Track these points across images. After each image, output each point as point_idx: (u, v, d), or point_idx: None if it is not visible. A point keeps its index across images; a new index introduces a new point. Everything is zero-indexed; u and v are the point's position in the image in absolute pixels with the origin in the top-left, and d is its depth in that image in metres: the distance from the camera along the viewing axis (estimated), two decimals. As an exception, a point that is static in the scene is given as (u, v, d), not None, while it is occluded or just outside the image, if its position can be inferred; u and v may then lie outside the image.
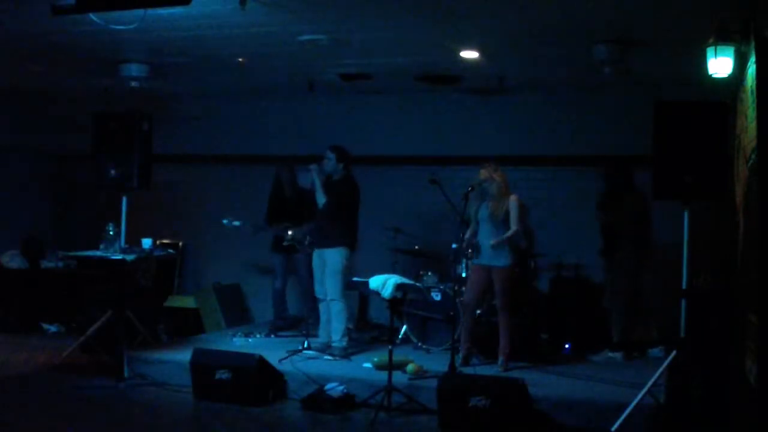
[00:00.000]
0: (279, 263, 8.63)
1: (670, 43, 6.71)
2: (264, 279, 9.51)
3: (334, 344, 7.26)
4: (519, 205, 6.83)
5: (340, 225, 7.31)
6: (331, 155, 7.33)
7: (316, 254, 7.39)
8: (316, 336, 7.47)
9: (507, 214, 6.80)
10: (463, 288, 7.47)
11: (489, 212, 6.85)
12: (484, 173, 6.86)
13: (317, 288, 7.40)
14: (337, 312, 7.25)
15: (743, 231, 5.92)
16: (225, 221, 8.33)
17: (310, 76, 8.71)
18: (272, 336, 8.27)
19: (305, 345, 7.23)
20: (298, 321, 8.62)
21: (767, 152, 5.14)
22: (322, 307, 7.42)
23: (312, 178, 7.35)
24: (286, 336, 8.25)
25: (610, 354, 7.32)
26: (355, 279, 6.96)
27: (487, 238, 6.84)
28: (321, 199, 7.30)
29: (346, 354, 7.21)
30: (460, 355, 6.86)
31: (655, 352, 7.40)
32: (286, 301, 8.76)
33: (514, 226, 6.76)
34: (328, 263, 7.26)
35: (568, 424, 5.71)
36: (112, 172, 7.09)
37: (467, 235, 6.97)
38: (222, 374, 6.30)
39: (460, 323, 7.17)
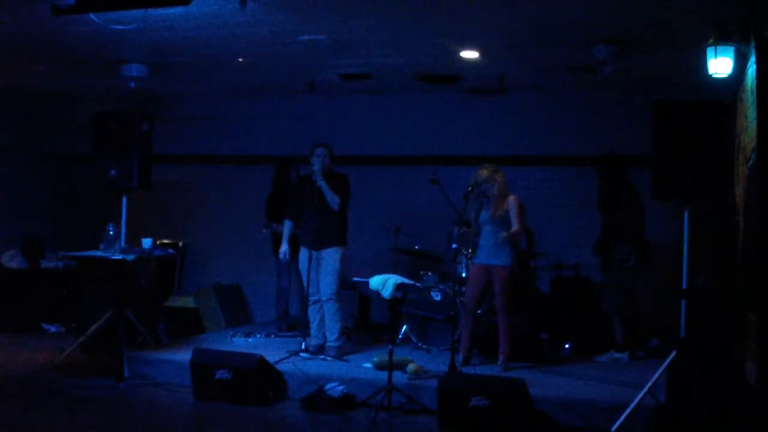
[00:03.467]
0: (285, 262, 8.54)
1: (670, 43, 6.72)
2: (264, 279, 9.51)
3: (329, 344, 7.23)
4: (518, 205, 6.86)
5: (339, 223, 7.26)
6: (324, 151, 7.20)
7: (308, 255, 7.21)
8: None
9: (507, 214, 6.83)
10: (464, 288, 7.48)
11: (490, 214, 6.87)
12: (485, 174, 6.86)
13: (309, 286, 7.27)
14: (333, 312, 7.21)
15: (743, 231, 5.92)
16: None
17: (310, 76, 8.72)
18: (272, 336, 8.27)
19: (303, 346, 7.22)
20: (299, 322, 8.63)
21: (767, 152, 5.14)
22: (312, 309, 7.33)
23: (318, 182, 7.12)
24: (286, 336, 8.25)
25: (617, 355, 7.32)
26: (355, 279, 6.95)
27: (488, 240, 6.86)
28: (334, 199, 7.10)
29: (341, 354, 7.19)
30: (461, 355, 6.86)
31: (640, 353, 7.43)
32: (289, 300, 8.76)
33: (516, 225, 6.78)
34: (327, 262, 7.18)
35: (568, 424, 5.71)
36: (112, 172, 7.09)
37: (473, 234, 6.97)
38: (222, 374, 6.30)
39: (460, 323, 7.17)
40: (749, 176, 5.61)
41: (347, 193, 7.27)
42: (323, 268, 7.21)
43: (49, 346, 8.20)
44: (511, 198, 6.87)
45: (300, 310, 8.69)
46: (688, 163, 5.57)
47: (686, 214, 5.76)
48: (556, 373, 6.74)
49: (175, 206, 10.38)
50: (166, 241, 9.74)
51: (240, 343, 7.84)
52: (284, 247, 7.42)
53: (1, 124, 10.08)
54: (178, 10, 5.82)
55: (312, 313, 7.36)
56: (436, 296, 7.64)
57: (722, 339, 6.17)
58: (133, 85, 8.32)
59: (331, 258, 7.19)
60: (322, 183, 7.11)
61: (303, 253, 7.30)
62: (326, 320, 7.26)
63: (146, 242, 7.41)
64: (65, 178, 10.88)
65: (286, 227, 7.47)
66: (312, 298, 7.32)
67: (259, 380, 6.29)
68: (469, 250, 7.43)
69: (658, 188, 5.73)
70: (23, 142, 10.39)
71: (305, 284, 7.31)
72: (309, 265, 7.21)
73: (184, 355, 6.70)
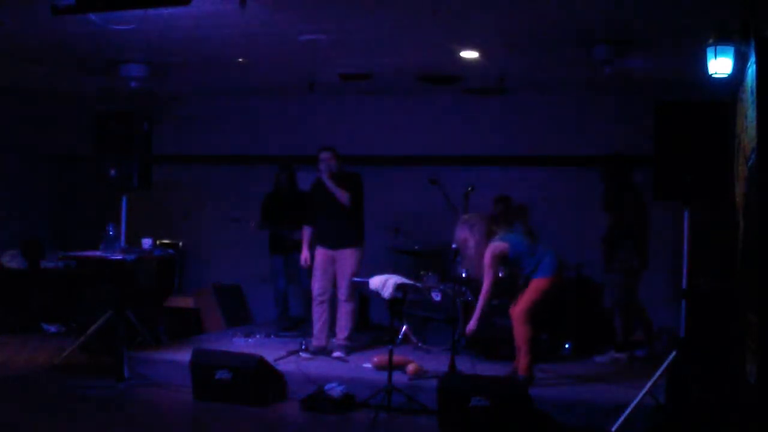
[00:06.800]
0: (280, 264, 8.67)
1: (670, 43, 6.71)
2: (264, 279, 9.51)
3: (339, 342, 7.26)
4: (491, 255, 6.21)
5: (356, 223, 7.30)
6: (328, 154, 7.24)
7: (325, 254, 7.27)
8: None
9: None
10: (464, 288, 7.49)
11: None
12: (462, 235, 6.32)
13: (317, 285, 7.31)
14: (348, 312, 7.28)
15: (743, 231, 5.92)
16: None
17: (310, 76, 8.71)
18: (272, 336, 8.27)
19: (303, 346, 7.22)
20: (301, 321, 8.66)
21: (767, 152, 5.14)
22: (319, 309, 7.33)
23: (325, 181, 7.19)
24: (287, 336, 8.25)
25: (616, 355, 7.32)
26: (355, 279, 6.96)
27: None
28: (343, 195, 7.13)
29: (348, 353, 7.23)
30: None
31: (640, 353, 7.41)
32: (288, 300, 8.79)
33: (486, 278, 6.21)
34: (346, 263, 7.20)
35: (568, 424, 5.71)
36: (112, 172, 7.10)
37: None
38: (222, 374, 6.30)
39: (460, 323, 7.16)
40: (749, 176, 5.61)
41: (357, 191, 7.28)
42: (341, 269, 7.24)
43: (49, 346, 8.21)
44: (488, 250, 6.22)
45: (304, 309, 8.72)
46: (688, 163, 5.57)
47: (686, 214, 5.76)
48: (556, 373, 6.74)
49: (175, 206, 10.38)
50: (166, 241, 9.72)
51: (240, 343, 7.84)
52: (305, 254, 7.44)
53: (1, 124, 10.07)
54: (178, 10, 5.80)
55: (317, 313, 7.36)
56: (436, 296, 7.63)
57: (722, 339, 6.17)
58: (133, 85, 8.32)
59: (349, 259, 7.22)
60: (328, 182, 7.15)
61: (319, 253, 7.33)
62: (340, 319, 7.29)
63: (146, 242, 7.41)
64: (65, 178, 10.87)
65: (306, 233, 7.49)
66: (319, 298, 7.33)
67: (259, 381, 6.29)
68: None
69: (658, 188, 5.74)
70: (23, 142, 10.38)
71: (314, 283, 7.35)
72: (316, 264, 7.27)
73: (184, 355, 6.70)
